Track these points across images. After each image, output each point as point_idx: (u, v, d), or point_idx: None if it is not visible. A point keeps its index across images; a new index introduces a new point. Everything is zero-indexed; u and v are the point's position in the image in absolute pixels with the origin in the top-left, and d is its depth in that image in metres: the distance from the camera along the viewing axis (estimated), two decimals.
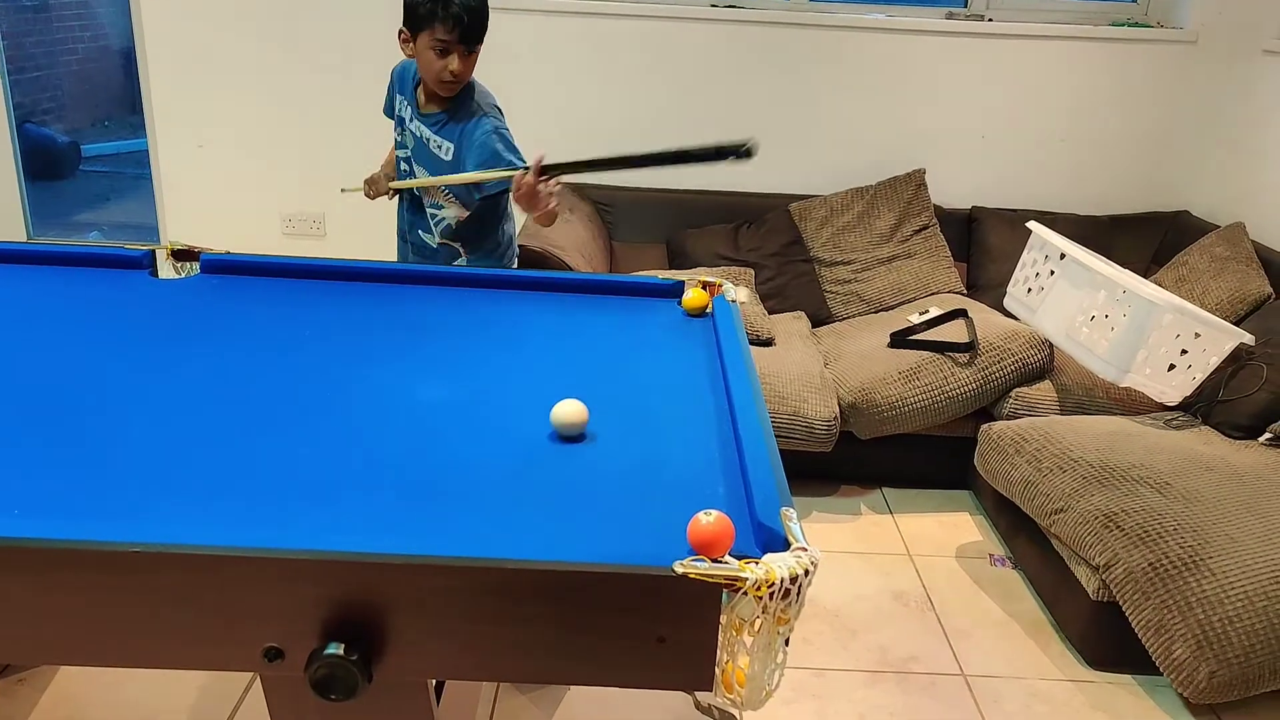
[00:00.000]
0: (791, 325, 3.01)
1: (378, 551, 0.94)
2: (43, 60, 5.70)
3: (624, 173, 3.29)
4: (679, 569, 0.93)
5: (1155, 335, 2.33)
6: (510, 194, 2.05)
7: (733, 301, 1.77)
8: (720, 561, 0.95)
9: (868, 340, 2.87)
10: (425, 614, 0.95)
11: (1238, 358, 2.50)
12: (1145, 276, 2.98)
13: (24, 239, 3.92)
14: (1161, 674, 1.93)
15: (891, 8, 3.42)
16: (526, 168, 1.99)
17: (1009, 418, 2.63)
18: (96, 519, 1.02)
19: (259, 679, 1.07)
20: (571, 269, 2.60)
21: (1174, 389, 2.41)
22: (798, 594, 0.94)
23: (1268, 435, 2.43)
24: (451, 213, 2.22)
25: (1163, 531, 1.99)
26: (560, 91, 3.30)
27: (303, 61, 3.31)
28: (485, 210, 2.21)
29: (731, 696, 0.98)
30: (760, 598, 0.93)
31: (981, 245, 3.31)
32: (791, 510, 1.05)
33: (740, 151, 1.79)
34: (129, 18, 3.32)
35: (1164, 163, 3.42)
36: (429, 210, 2.23)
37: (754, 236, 3.23)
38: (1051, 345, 2.69)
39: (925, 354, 2.69)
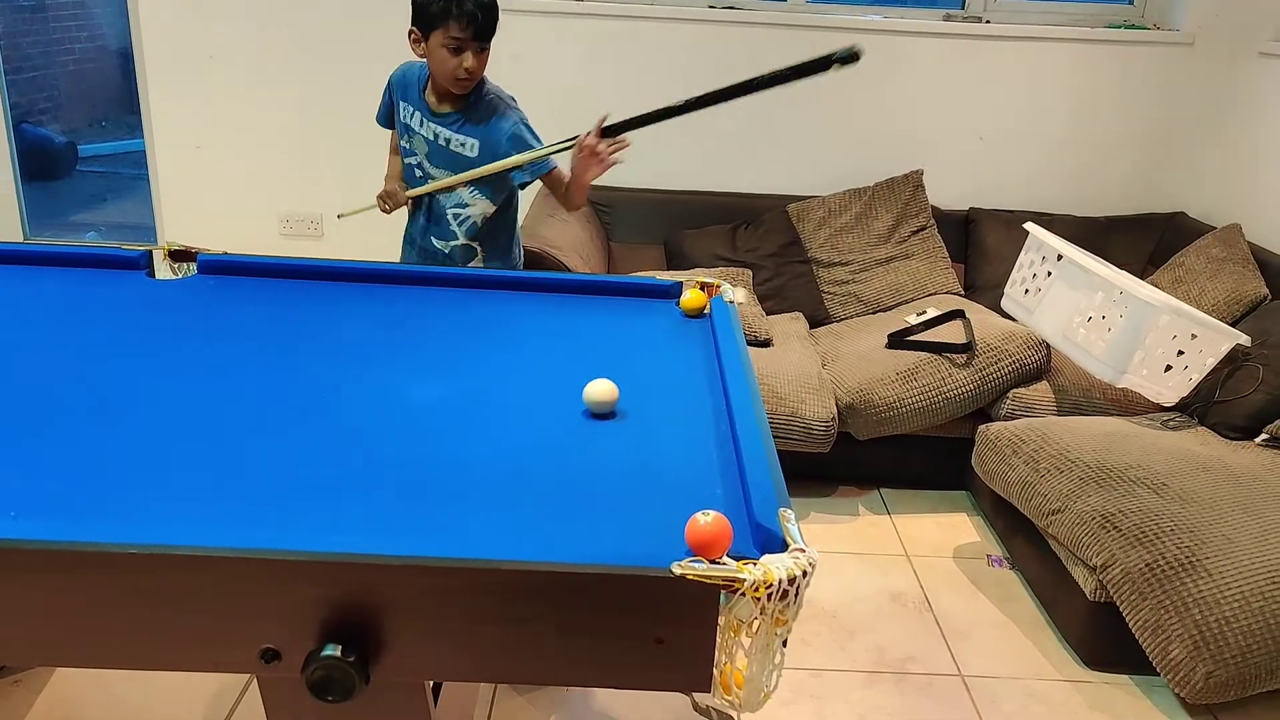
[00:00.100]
0: (789, 326, 3.01)
1: (375, 552, 0.94)
2: (39, 60, 5.69)
3: (624, 172, 3.30)
4: (677, 570, 0.93)
5: (1152, 336, 2.34)
6: (545, 177, 2.14)
7: (730, 302, 1.77)
8: (718, 562, 0.95)
9: (865, 341, 2.87)
10: (423, 615, 0.95)
11: (1234, 359, 2.50)
12: (1142, 278, 2.98)
13: (21, 239, 3.92)
14: (1158, 674, 1.93)
15: (889, 9, 3.42)
16: (570, 143, 2.04)
17: (1006, 418, 2.63)
18: (93, 520, 1.02)
19: (256, 680, 1.07)
20: (569, 269, 2.60)
21: (1171, 390, 2.42)
22: (796, 595, 0.94)
23: (1264, 436, 2.43)
24: (478, 210, 2.22)
25: (1159, 532, 1.99)
26: (559, 91, 3.29)
27: (300, 62, 3.31)
28: (505, 206, 2.23)
29: (729, 697, 0.98)
30: (758, 598, 0.93)
31: (979, 246, 3.31)
32: (789, 511, 1.05)
33: (845, 57, 1.76)
34: (126, 18, 3.32)
35: (1161, 164, 3.43)
36: (452, 211, 2.21)
37: (752, 237, 3.23)
38: (1049, 346, 2.69)
39: (923, 355, 2.69)
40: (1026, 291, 2.70)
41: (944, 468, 2.85)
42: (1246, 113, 3.23)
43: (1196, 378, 2.42)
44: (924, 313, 2.95)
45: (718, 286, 1.82)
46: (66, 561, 0.94)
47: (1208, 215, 3.30)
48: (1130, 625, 1.96)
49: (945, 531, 2.69)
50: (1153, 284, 2.83)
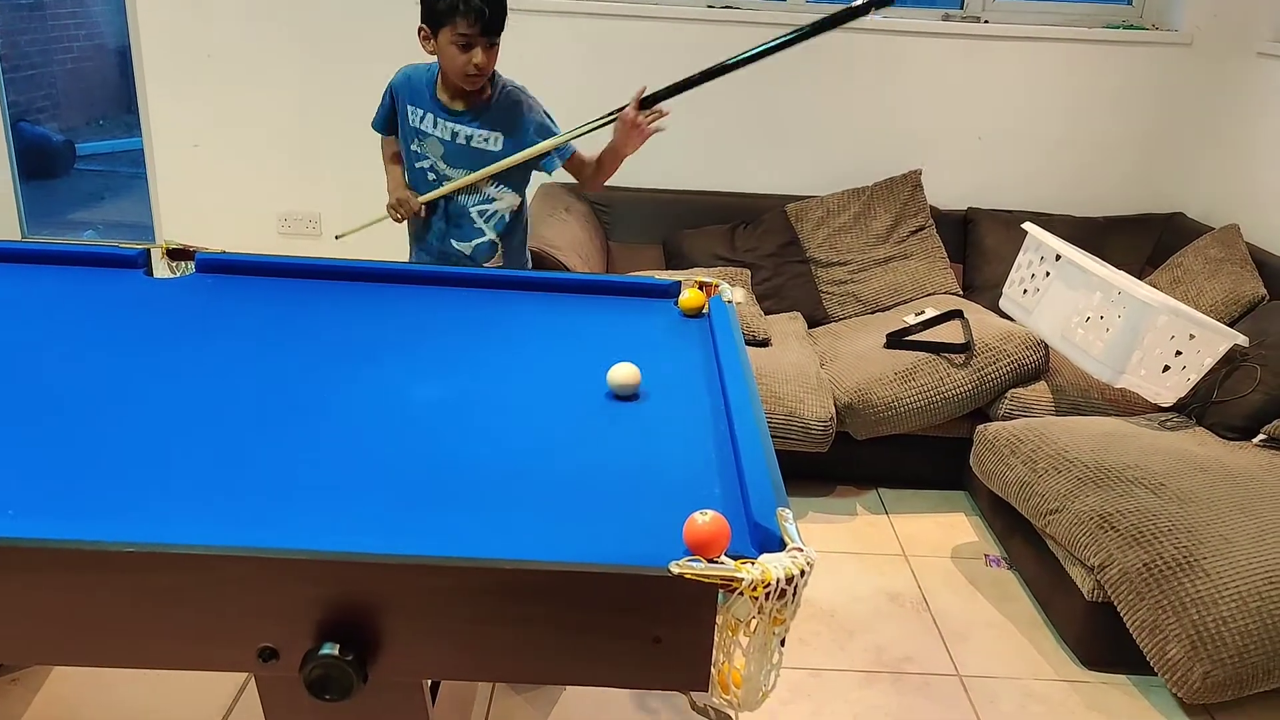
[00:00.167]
0: (788, 326, 3.02)
1: (373, 551, 0.94)
2: (38, 59, 5.68)
3: (623, 172, 3.30)
4: (675, 569, 0.93)
5: (1150, 336, 2.34)
6: (568, 161, 2.19)
7: (729, 302, 1.77)
8: (716, 562, 0.95)
9: (864, 341, 2.87)
10: (421, 614, 0.95)
11: (1232, 359, 2.51)
12: (1140, 278, 2.99)
13: (18, 238, 3.91)
14: (1156, 674, 1.93)
15: (888, 9, 3.42)
16: (609, 118, 2.08)
17: (1004, 418, 2.63)
18: (91, 519, 1.02)
19: (253, 679, 1.07)
20: (568, 269, 2.60)
21: (1168, 390, 2.42)
22: (793, 594, 0.94)
23: (1262, 436, 2.43)
24: (505, 203, 2.23)
25: (1157, 532, 1.99)
26: (557, 92, 3.28)
27: (299, 61, 3.31)
28: (524, 200, 2.25)
29: (727, 697, 0.98)
30: (756, 598, 0.93)
31: (977, 246, 3.32)
32: (787, 510, 1.05)
33: (881, 2, 1.82)
34: (124, 16, 3.31)
35: (1159, 165, 3.43)
36: (476, 209, 2.21)
37: (750, 237, 3.23)
38: (1047, 346, 2.69)
39: (921, 355, 2.69)
40: (1025, 292, 2.70)
41: (942, 468, 2.85)
42: (1244, 113, 3.23)
43: (1194, 378, 2.42)
44: (922, 313, 2.95)
45: (716, 286, 1.82)
46: (64, 560, 0.94)
47: (1206, 216, 3.30)
48: (1128, 625, 1.97)
49: (943, 531, 2.69)
50: (1151, 284, 2.83)
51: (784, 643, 0.98)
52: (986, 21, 3.37)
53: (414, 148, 2.19)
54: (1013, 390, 2.68)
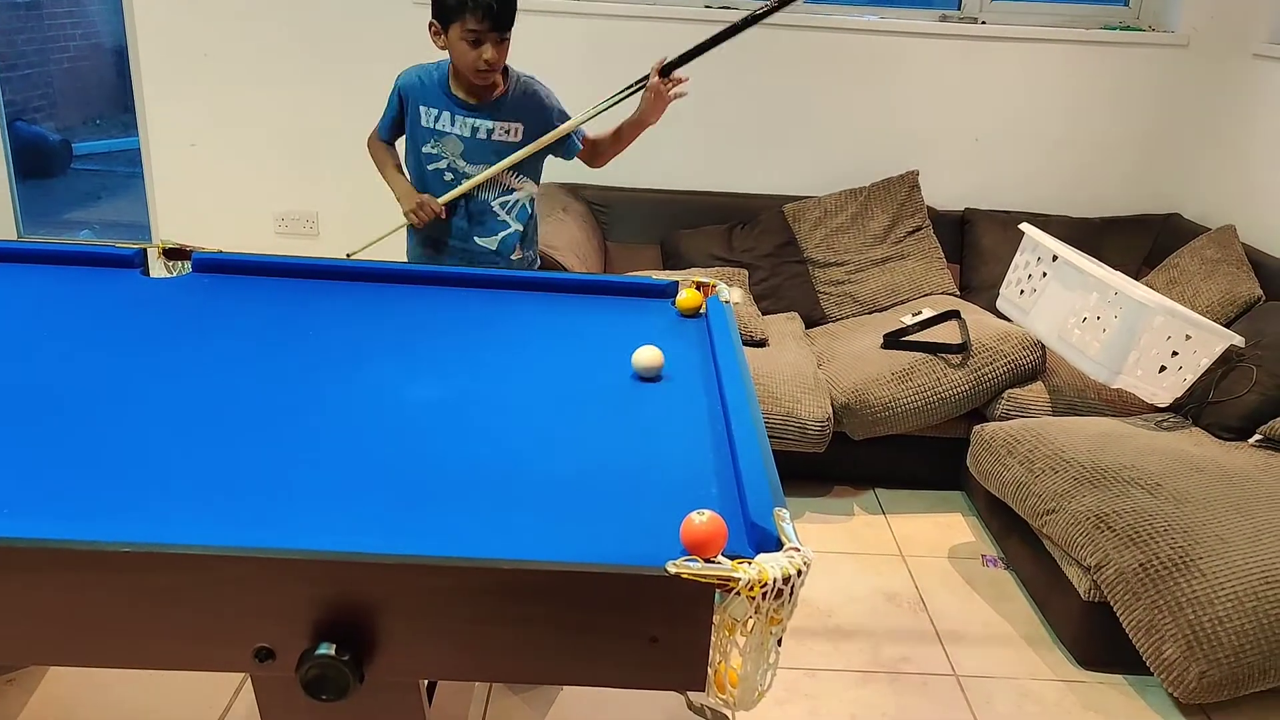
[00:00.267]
0: (785, 326, 3.02)
1: (370, 551, 0.94)
2: (34, 58, 5.67)
3: (621, 172, 3.30)
4: (672, 569, 0.93)
5: (1146, 337, 2.34)
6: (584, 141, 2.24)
7: (726, 302, 1.78)
8: (713, 561, 0.95)
9: (861, 341, 2.87)
10: (417, 614, 0.95)
11: (1228, 360, 2.51)
12: (1137, 279, 2.99)
13: (15, 237, 3.90)
14: (1152, 674, 1.93)
15: (885, 10, 3.42)
16: (636, 86, 2.14)
17: (1001, 419, 2.63)
18: (87, 519, 1.02)
19: (250, 680, 1.07)
20: (566, 269, 2.60)
21: (1165, 390, 2.42)
22: (790, 594, 0.94)
23: (1257, 437, 2.44)
24: (525, 192, 2.25)
25: (1153, 532, 1.99)
26: (556, 91, 3.29)
27: (296, 60, 3.30)
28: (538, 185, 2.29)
29: (724, 697, 0.98)
30: (753, 598, 0.93)
31: (974, 247, 3.32)
32: (784, 510, 1.05)
33: None
34: (121, 16, 3.31)
35: (1155, 166, 3.43)
36: (498, 201, 2.22)
37: (748, 237, 3.23)
38: (1044, 346, 2.70)
39: (918, 355, 2.69)
40: (1022, 292, 2.70)
41: (939, 468, 2.85)
42: (1241, 114, 3.24)
43: (1190, 378, 2.43)
44: (919, 313, 2.95)
45: (714, 286, 1.82)
46: (61, 560, 0.93)
47: (1202, 216, 3.30)
48: (1124, 625, 1.97)
49: (940, 531, 2.69)
50: (1147, 285, 2.84)
51: (781, 642, 0.98)
52: (983, 22, 3.37)
53: (427, 149, 2.17)
54: (1009, 390, 2.68)
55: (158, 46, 3.29)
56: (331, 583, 0.94)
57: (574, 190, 3.27)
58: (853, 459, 2.80)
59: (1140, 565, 1.95)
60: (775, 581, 0.93)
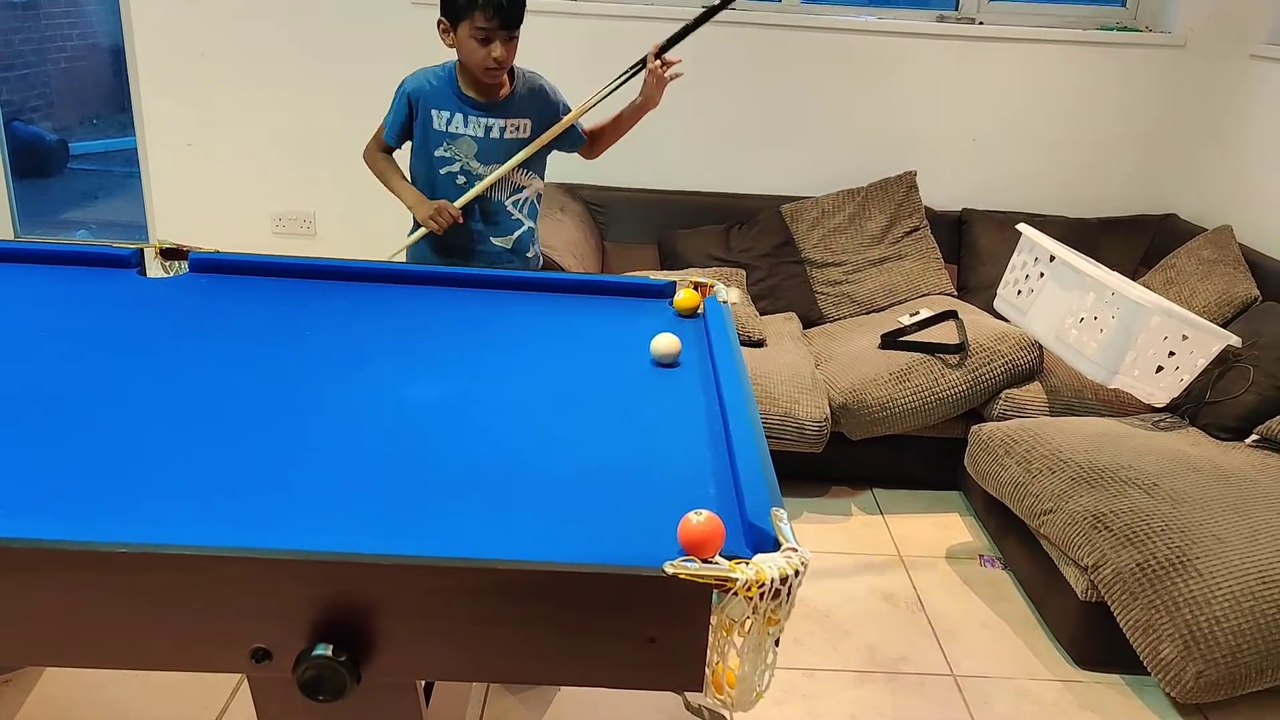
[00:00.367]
0: (783, 326, 3.02)
1: (367, 552, 0.94)
2: (31, 58, 5.66)
3: (619, 172, 3.30)
4: (669, 569, 0.93)
5: (1143, 337, 2.35)
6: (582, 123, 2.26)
7: (724, 302, 1.77)
8: (711, 562, 0.95)
9: (858, 341, 2.87)
10: (414, 615, 0.95)
11: (1225, 360, 2.51)
12: (1134, 279, 2.99)
13: (12, 237, 3.90)
14: (1149, 674, 1.94)
15: (883, 10, 3.43)
16: (635, 69, 2.18)
17: (999, 419, 2.63)
18: (83, 519, 1.02)
19: (246, 680, 1.06)
20: (563, 269, 2.60)
21: (1162, 390, 2.43)
22: (788, 594, 0.94)
23: (1254, 437, 2.44)
24: (534, 188, 2.27)
25: (1150, 532, 1.99)
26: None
27: (293, 60, 3.30)
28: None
29: (722, 697, 0.98)
30: (750, 598, 0.93)
31: (972, 247, 3.32)
32: (782, 511, 1.05)
33: None
34: (118, 15, 3.30)
35: (1152, 166, 3.44)
36: (510, 200, 2.22)
37: (745, 237, 3.23)
38: (1041, 347, 2.70)
39: (916, 355, 2.69)
40: (1019, 292, 2.70)
41: (937, 468, 2.86)
42: (1238, 115, 3.24)
43: (1187, 378, 2.43)
44: (917, 313, 2.95)
45: (711, 286, 1.82)
46: (58, 560, 0.93)
47: (1199, 217, 3.31)
48: (1121, 625, 1.97)
49: (938, 532, 2.69)
50: (1144, 285, 2.84)
51: (778, 643, 0.98)
52: (981, 23, 3.37)
53: (440, 153, 2.16)
54: (1007, 391, 2.69)
55: (155, 46, 3.29)
56: (329, 583, 0.94)
57: (571, 190, 3.27)
58: (850, 459, 2.80)
59: (1137, 565, 1.95)
60: (773, 582, 0.93)
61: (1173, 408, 2.57)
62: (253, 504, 1.07)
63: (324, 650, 0.93)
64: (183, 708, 1.85)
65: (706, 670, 0.97)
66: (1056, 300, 2.55)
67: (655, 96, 2.19)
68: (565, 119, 2.20)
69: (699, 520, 0.97)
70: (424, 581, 0.94)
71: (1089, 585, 2.07)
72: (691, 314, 1.78)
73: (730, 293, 1.81)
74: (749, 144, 3.40)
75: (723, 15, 3.26)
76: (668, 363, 1.54)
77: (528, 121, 2.18)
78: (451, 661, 0.98)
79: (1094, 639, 2.13)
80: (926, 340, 2.74)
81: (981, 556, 2.58)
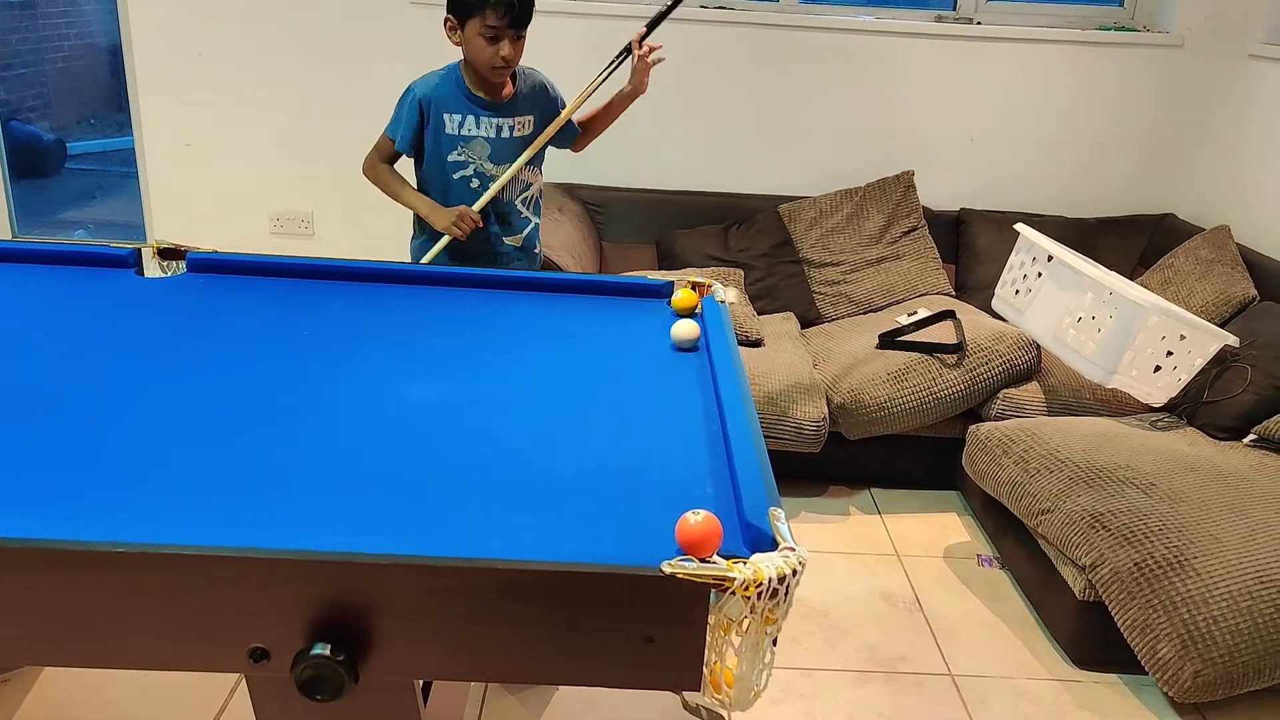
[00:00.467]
0: (780, 326, 3.02)
1: (365, 551, 0.94)
2: (29, 57, 5.65)
3: (617, 171, 3.30)
4: (667, 569, 0.93)
5: (1141, 337, 2.35)
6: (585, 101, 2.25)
7: (722, 302, 1.77)
8: (708, 561, 0.95)
9: (856, 341, 2.87)
10: (412, 614, 0.95)
11: (1222, 359, 2.52)
12: (1131, 279, 3.00)
13: (9, 237, 3.89)
14: (1147, 673, 1.94)
15: (880, 10, 3.43)
16: (623, 56, 2.19)
17: (997, 419, 2.64)
18: (81, 519, 1.02)
19: (244, 680, 1.06)
20: (561, 269, 2.60)
21: (1160, 390, 2.43)
22: (785, 594, 0.94)
23: (1252, 436, 2.44)
24: (538, 183, 2.28)
25: (1148, 532, 2.00)
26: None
27: (291, 60, 3.30)
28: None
29: (719, 696, 0.98)
30: (748, 597, 0.93)
31: (969, 247, 3.32)
32: (780, 510, 1.05)
33: None
34: (116, 15, 3.30)
35: (1150, 166, 3.44)
36: (520, 199, 2.23)
37: (743, 237, 3.23)
38: (1039, 347, 2.70)
39: (914, 355, 2.69)
40: (1017, 292, 2.71)
41: (935, 468, 2.86)
42: (1235, 115, 3.24)
43: (1185, 378, 2.43)
44: (915, 313, 2.96)
45: (709, 286, 1.82)
46: (56, 560, 0.93)
47: (1197, 217, 3.31)
48: (1119, 624, 1.97)
49: (936, 531, 2.69)
50: (1142, 285, 2.84)
51: (776, 642, 0.98)
52: (979, 23, 3.38)
53: (454, 157, 2.16)
54: (1005, 390, 2.69)
55: (153, 46, 3.29)
56: (327, 583, 0.94)
57: (569, 190, 3.27)
58: (848, 459, 2.81)
59: (1135, 565, 1.95)
60: (770, 581, 0.93)
61: (1170, 407, 2.57)
62: (251, 504, 1.07)
63: (322, 650, 0.93)
64: (181, 707, 1.84)
65: (704, 670, 0.97)
66: (1054, 300, 2.55)
67: (645, 82, 2.21)
68: (564, 112, 2.21)
69: (697, 520, 0.97)
70: (422, 581, 0.94)
71: (1087, 585, 2.08)
72: (689, 314, 1.77)
73: (728, 293, 1.81)
74: (747, 144, 3.40)
75: (721, 15, 3.29)
76: (687, 347, 1.60)
77: (531, 118, 2.19)
78: (449, 661, 0.98)
79: (1092, 638, 2.13)
80: (924, 340, 2.74)
81: (979, 556, 2.58)
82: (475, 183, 2.18)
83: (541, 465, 1.20)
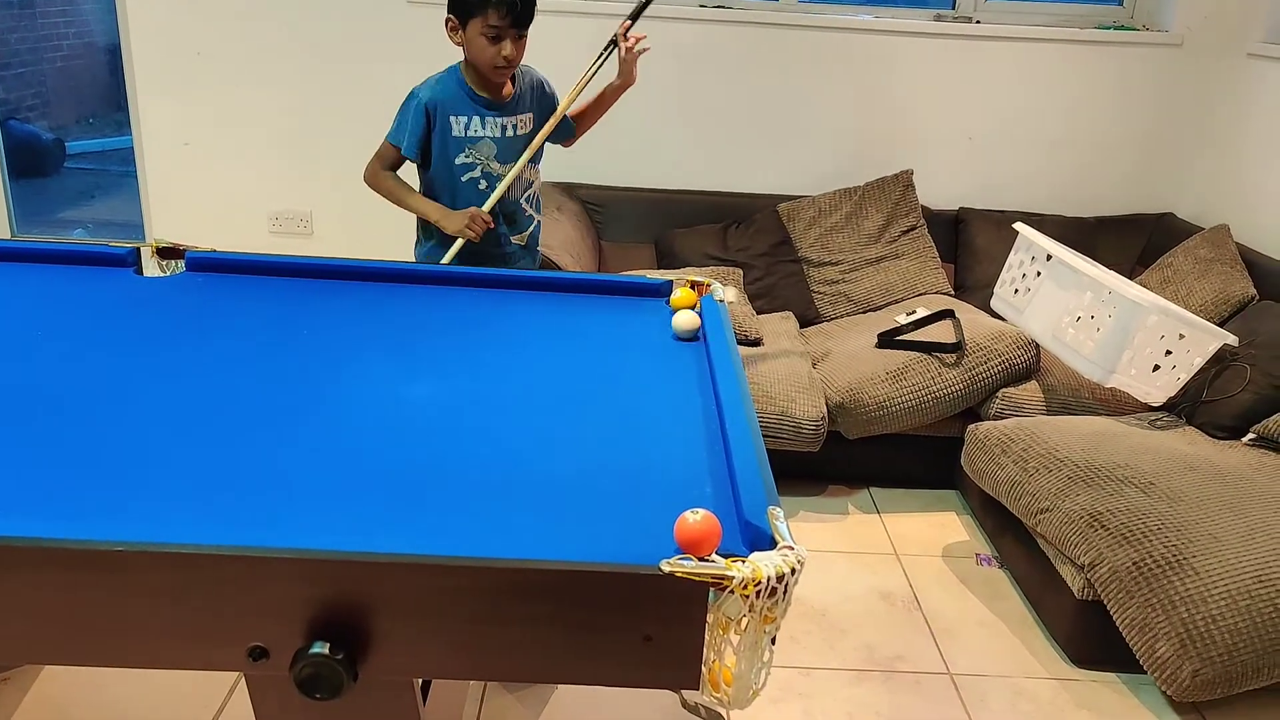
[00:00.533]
0: (779, 325, 3.02)
1: (364, 550, 0.94)
2: (27, 56, 5.65)
3: (616, 171, 3.30)
4: (666, 567, 0.93)
5: (1140, 336, 2.35)
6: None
7: (721, 301, 1.77)
8: (707, 560, 0.95)
9: (855, 340, 2.88)
10: (411, 613, 0.95)
11: (1221, 359, 2.52)
12: (1130, 278, 3.00)
13: (8, 236, 3.89)
14: (1146, 672, 1.94)
15: (880, 9, 3.43)
16: (610, 49, 2.20)
17: (996, 418, 2.64)
18: (80, 518, 1.02)
19: (244, 679, 1.06)
20: (560, 268, 2.60)
21: (1159, 389, 2.43)
22: (784, 592, 0.94)
23: (1251, 436, 2.44)
24: (538, 182, 2.29)
25: (1147, 531, 2.00)
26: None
27: (290, 59, 3.30)
28: None
29: (718, 695, 0.98)
30: (747, 596, 0.93)
31: (969, 246, 3.32)
32: (778, 509, 1.05)
33: None
34: (114, 14, 3.30)
35: (1149, 165, 3.44)
36: (525, 197, 2.24)
37: (742, 236, 3.23)
38: (1038, 346, 2.70)
39: (913, 354, 2.69)
40: (1016, 291, 2.71)
41: (933, 467, 2.86)
42: (1235, 114, 3.25)
43: (1184, 377, 2.43)
44: (914, 312, 2.96)
45: (708, 285, 1.82)
46: (56, 559, 0.93)
47: (1196, 216, 3.31)
48: (1117, 623, 1.97)
49: (934, 530, 2.69)
50: (1141, 284, 2.84)
51: (775, 641, 0.98)
52: (978, 22, 3.38)
53: (461, 160, 2.15)
54: (1004, 390, 2.69)
55: (151, 45, 3.28)
56: (326, 582, 0.94)
57: (568, 189, 3.27)
58: (847, 458, 2.81)
59: (1134, 564, 1.96)
60: (769, 580, 0.93)
61: (1169, 407, 2.57)
62: (251, 503, 1.07)
63: (321, 648, 0.94)
64: (180, 706, 1.84)
65: (703, 668, 0.97)
66: (1053, 299, 2.55)
67: (634, 73, 2.22)
68: (560, 108, 2.22)
69: (695, 519, 0.97)
70: (421, 580, 0.94)
71: (1085, 584, 2.08)
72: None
73: (727, 292, 1.81)
74: (746, 143, 3.40)
75: (721, 14, 3.29)
76: (688, 337, 1.63)
77: (530, 116, 2.21)
78: (448, 660, 0.98)
79: (1090, 637, 2.13)
80: (923, 339, 2.74)
81: (978, 555, 2.58)
82: (483, 184, 2.18)
83: (541, 464, 1.20)
